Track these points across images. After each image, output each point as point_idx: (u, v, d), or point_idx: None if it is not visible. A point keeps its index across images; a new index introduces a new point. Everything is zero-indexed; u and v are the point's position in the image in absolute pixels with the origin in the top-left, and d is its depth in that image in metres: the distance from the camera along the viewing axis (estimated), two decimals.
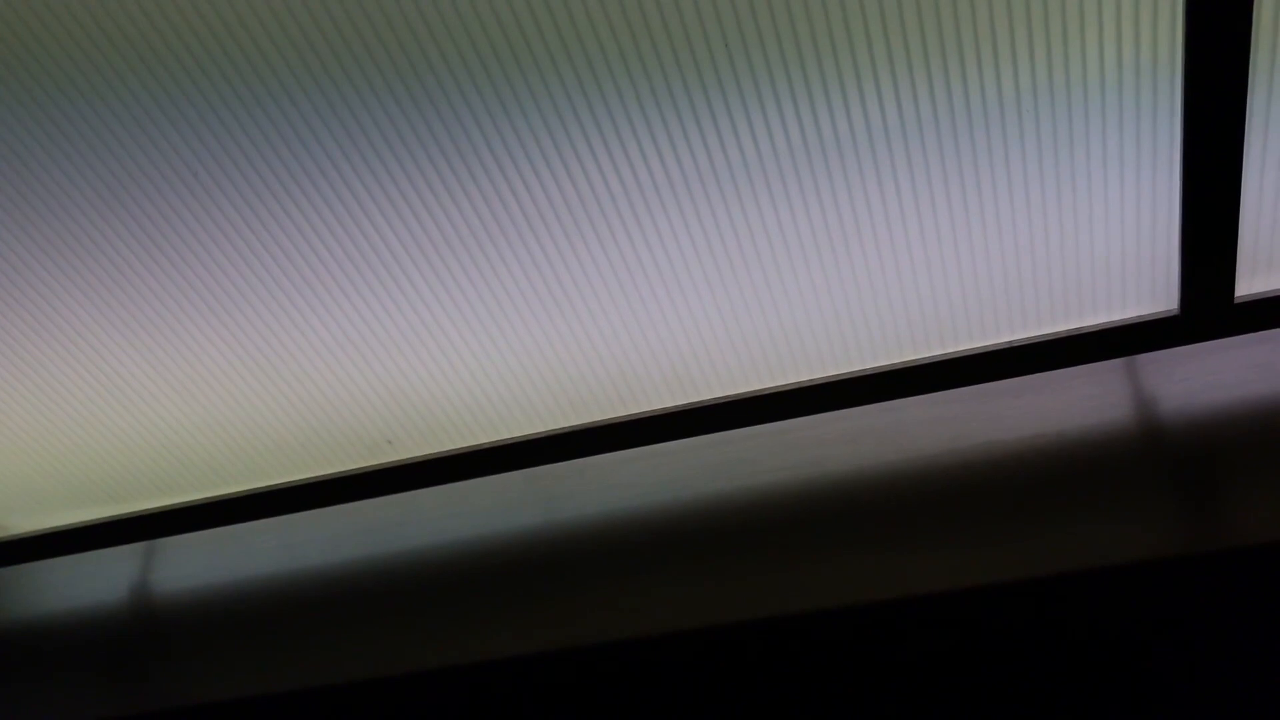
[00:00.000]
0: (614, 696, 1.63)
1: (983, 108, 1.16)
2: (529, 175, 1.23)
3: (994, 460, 1.50)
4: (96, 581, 1.86)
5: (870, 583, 1.47)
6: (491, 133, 1.19)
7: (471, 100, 1.16)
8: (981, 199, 1.24)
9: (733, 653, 1.56)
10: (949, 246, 1.29)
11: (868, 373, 1.44)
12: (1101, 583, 1.44)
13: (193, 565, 1.81)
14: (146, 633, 1.79)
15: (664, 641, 1.52)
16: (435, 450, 1.55)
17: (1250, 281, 1.33)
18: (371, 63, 1.12)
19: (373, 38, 1.10)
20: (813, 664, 1.57)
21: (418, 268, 1.32)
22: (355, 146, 1.20)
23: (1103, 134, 1.18)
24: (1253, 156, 1.20)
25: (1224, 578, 1.42)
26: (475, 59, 1.12)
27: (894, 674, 1.57)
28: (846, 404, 1.48)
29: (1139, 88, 1.14)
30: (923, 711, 1.60)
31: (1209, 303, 1.32)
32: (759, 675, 1.59)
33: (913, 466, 1.53)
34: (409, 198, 1.25)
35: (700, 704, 1.64)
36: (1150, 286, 1.34)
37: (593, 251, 1.30)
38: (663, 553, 1.57)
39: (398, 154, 1.21)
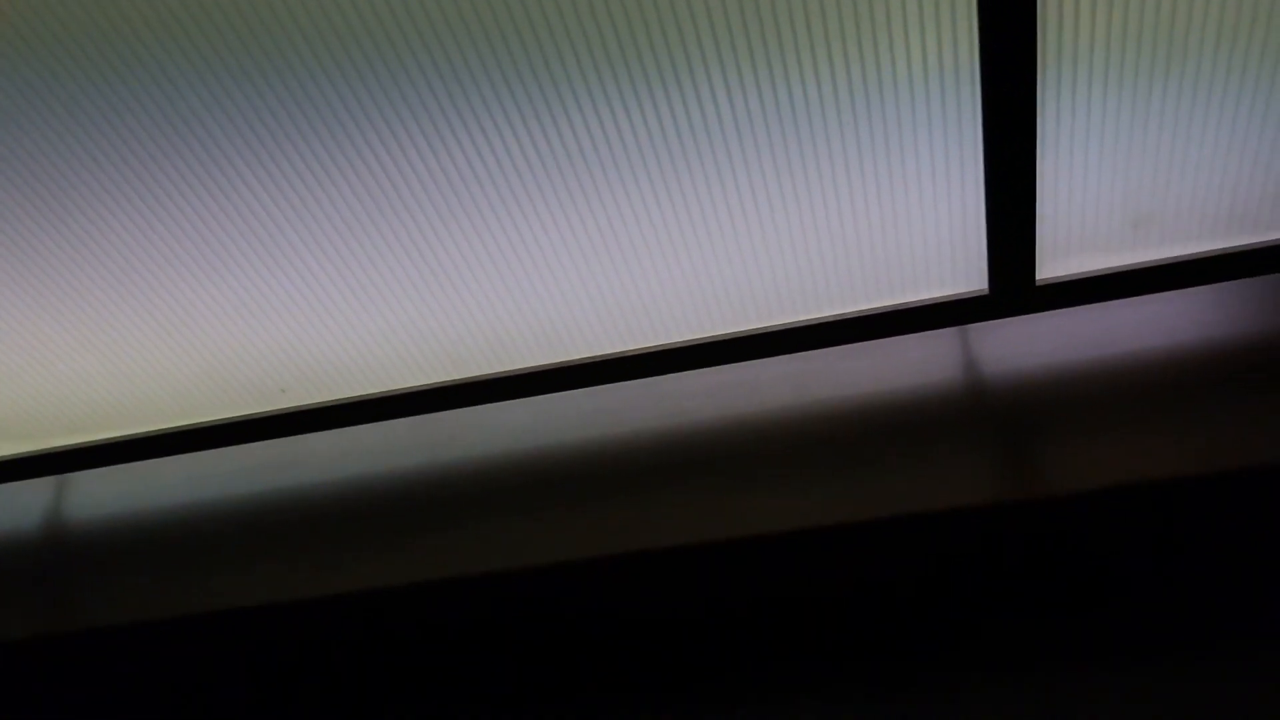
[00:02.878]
0: (491, 627, 1.78)
1: (805, 107, 1.31)
2: (405, 154, 1.36)
3: (834, 414, 1.66)
4: (12, 511, 1.96)
5: (721, 522, 1.62)
6: (373, 113, 1.32)
7: (351, 85, 1.28)
8: (810, 193, 1.40)
9: (598, 584, 1.71)
10: (796, 230, 1.45)
11: (720, 338, 1.60)
12: (927, 526, 1.61)
13: (102, 496, 1.92)
14: (59, 558, 1.90)
15: (539, 574, 1.67)
16: (325, 399, 1.68)
17: (1051, 266, 1.50)
18: (249, 46, 1.24)
19: (251, 20, 1.22)
20: (670, 595, 1.73)
21: (300, 237, 1.45)
22: (237, 130, 1.32)
23: (914, 138, 1.34)
24: (1046, 162, 1.37)
25: (1034, 523, 1.60)
26: (353, 46, 1.25)
27: (738, 606, 1.75)
28: (701, 365, 1.63)
29: (944, 96, 1.30)
30: (761, 637, 1.78)
31: (1014, 285, 1.49)
32: (620, 605, 1.75)
33: (762, 418, 1.69)
34: (289, 175, 1.38)
35: (570, 633, 1.80)
36: (965, 270, 1.51)
37: (463, 227, 1.44)
38: (536, 493, 1.71)
39: (275, 135, 1.34)
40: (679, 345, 1.61)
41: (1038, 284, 1.50)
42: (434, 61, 1.26)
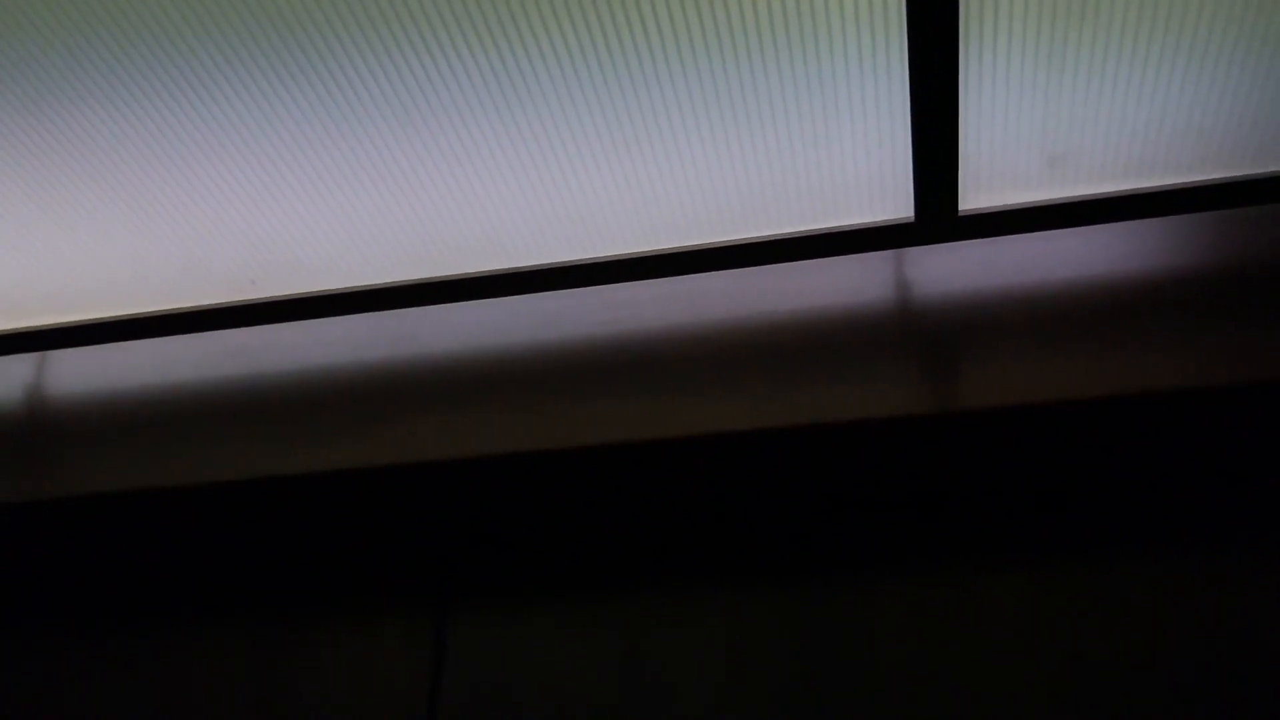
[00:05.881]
0: (440, 511, 1.91)
1: (746, 41, 1.40)
2: (366, 64, 1.45)
3: (767, 327, 1.77)
4: None
5: (656, 423, 1.74)
6: (337, 25, 1.40)
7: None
8: (750, 124, 1.50)
9: (541, 475, 1.83)
10: (737, 157, 1.55)
11: (663, 252, 1.71)
12: (850, 434, 1.73)
13: (81, 373, 2.03)
14: (39, 429, 2.00)
15: (486, 463, 1.79)
16: (293, 292, 1.79)
17: (974, 199, 1.61)
18: None
19: None
20: (605, 489, 1.86)
21: (272, 143, 1.55)
22: (211, 39, 1.42)
23: (846, 76, 1.43)
24: (969, 101, 1.47)
25: (950, 435, 1.72)
26: None
27: (671, 500, 1.88)
28: (645, 276, 1.74)
29: (874, 39, 1.40)
30: (689, 531, 1.91)
31: (938, 215, 1.60)
32: (558, 496, 1.88)
33: (699, 328, 1.80)
34: (264, 85, 1.47)
35: (510, 521, 1.93)
36: (894, 200, 1.61)
37: (425, 139, 1.54)
38: (491, 387, 1.83)
39: (247, 45, 1.43)
40: (624, 257, 1.71)
41: (960, 215, 1.60)
42: None
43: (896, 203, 1.61)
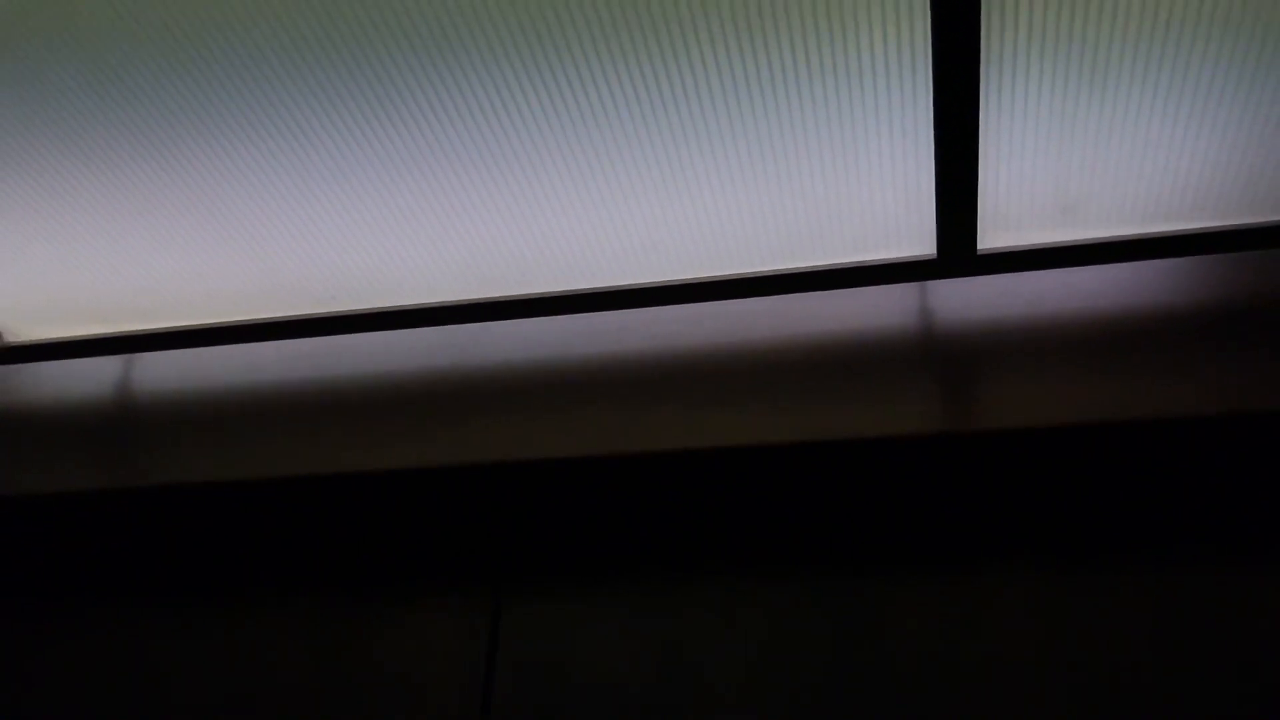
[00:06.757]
0: (500, 506, 2.07)
1: (785, 91, 1.55)
2: (440, 107, 1.62)
3: (802, 348, 1.93)
4: (87, 379, 2.24)
5: (697, 433, 1.89)
6: (420, 74, 1.57)
7: (396, 51, 1.54)
8: (788, 165, 1.66)
9: (594, 478, 1.98)
10: (776, 195, 1.71)
11: (708, 280, 1.87)
12: (877, 449, 1.87)
13: (166, 372, 2.20)
14: (125, 423, 2.17)
15: (540, 466, 1.95)
16: (366, 307, 1.96)
17: (992, 238, 1.76)
18: (324, 24, 1.50)
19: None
20: (652, 491, 2.01)
21: (356, 176, 1.73)
22: (306, 84, 1.58)
23: (876, 125, 1.59)
24: (988, 150, 1.62)
25: (974, 452, 1.87)
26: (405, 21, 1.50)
27: (710, 503, 2.04)
28: (689, 300, 1.90)
29: (902, 91, 1.55)
30: (729, 531, 2.07)
31: (958, 252, 1.76)
32: (610, 498, 2.04)
33: (739, 348, 1.95)
34: (350, 123, 1.64)
35: (562, 519, 2.10)
36: (918, 238, 1.77)
37: (492, 173, 1.71)
38: (545, 395, 1.99)
39: (330, 94, 1.59)
40: (672, 283, 1.87)
41: (979, 253, 1.76)
42: (472, 35, 1.51)
43: (921, 240, 1.77)
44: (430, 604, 2.13)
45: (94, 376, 2.24)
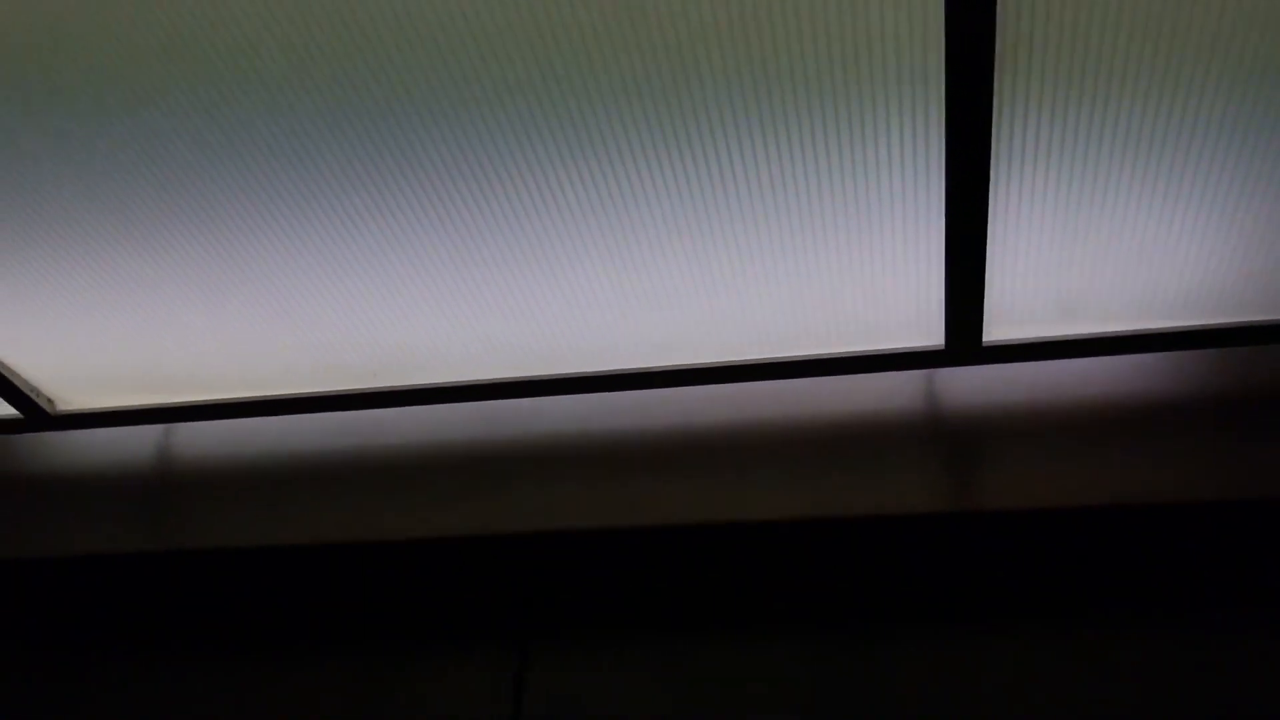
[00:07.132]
0: (534, 576, 2.17)
1: (808, 192, 1.67)
2: (480, 200, 1.73)
3: (813, 428, 2.03)
4: (127, 446, 2.34)
5: (713, 507, 2.00)
6: (461, 166, 1.69)
7: (464, 125, 1.66)
8: (808, 262, 1.78)
9: (614, 547, 2.08)
10: (795, 287, 1.82)
11: (726, 364, 1.98)
12: (882, 525, 1.98)
13: (206, 440, 2.30)
14: (164, 487, 2.27)
15: (568, 536, 2.06)
16: (406, 384, 2.07)
17: (997, 331, 1.88)
18: (378, 104, 1.62)
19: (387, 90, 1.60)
20: (667, 560, 2.11)
21: (398, 260, 1.84)
22: (352, 168, 1.71)
23: (893, 227, 1.71)
24: (995, 251, 1.74)
25: (975, 529, 1.97)
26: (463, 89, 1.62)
27: (721, 572, 2.13)
28: (709, 383, 2.01)
29: (917, 196, 1.67)
30: (741, 596, 2.16)
31: (965, 344, 1.87)
32: (629, 565, 2.14)
33: (754, 427, 2.06)
34: (395, 212, 1.76)
35: (584, 586, 2.19)
36: (928, 330, 1.88)
37: (526, 260, 1.82)
38: (573, 468, 2.09)
39: (376, 181, 1.72)
40: (696, 366, 1.99)
41: (985, 345, 1.87)
42: (512, 131, 1.64)
43: (930, 331, 1.89)
44: (459, 662, 2.21)
45: (139, 443, 2.34)
